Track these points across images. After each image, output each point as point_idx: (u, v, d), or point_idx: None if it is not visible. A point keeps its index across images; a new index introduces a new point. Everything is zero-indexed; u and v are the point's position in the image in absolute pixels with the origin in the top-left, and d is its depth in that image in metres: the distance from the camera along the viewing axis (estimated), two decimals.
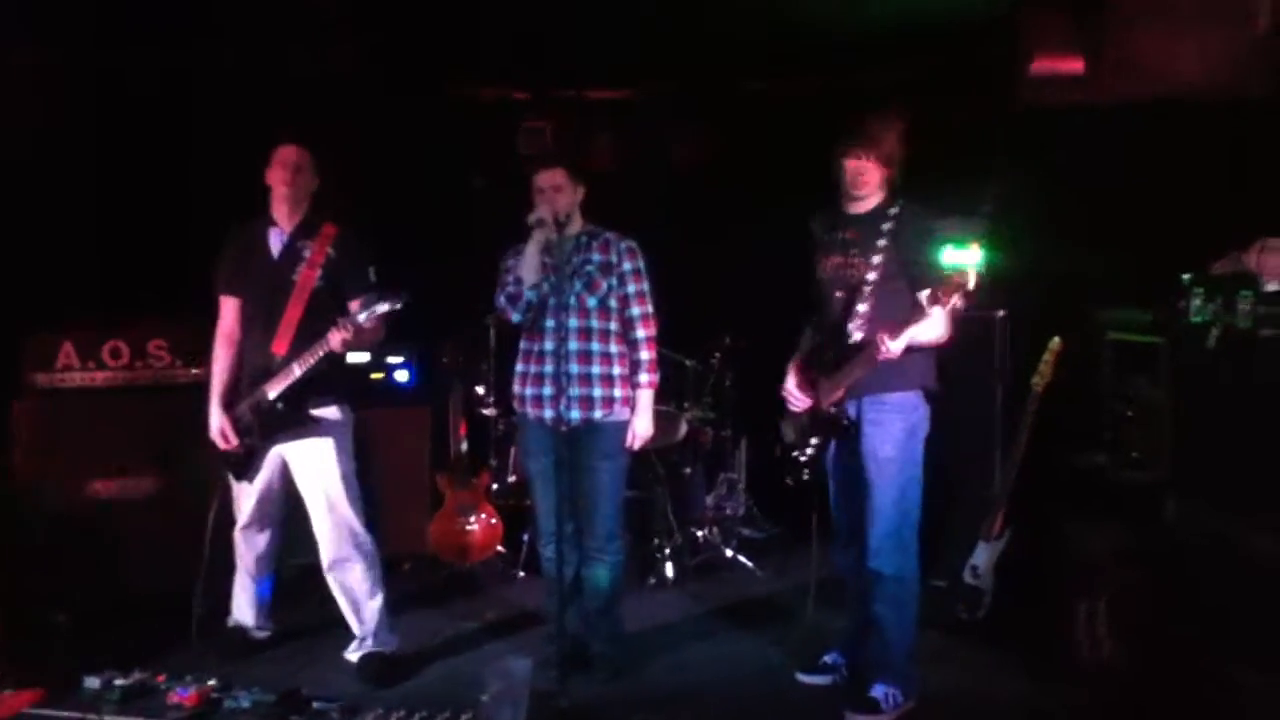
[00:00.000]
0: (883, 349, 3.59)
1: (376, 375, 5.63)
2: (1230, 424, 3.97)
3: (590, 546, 4.14)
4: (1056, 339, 4.62)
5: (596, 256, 4.13)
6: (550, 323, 4.09)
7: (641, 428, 4.14)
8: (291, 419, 4.10)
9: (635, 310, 4.15)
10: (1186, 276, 4.19)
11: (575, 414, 4.03)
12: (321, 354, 3.99)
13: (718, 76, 6.23)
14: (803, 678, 4.14)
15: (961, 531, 4.66)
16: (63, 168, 5.35)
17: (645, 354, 4.15)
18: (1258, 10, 4.64)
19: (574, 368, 4.03)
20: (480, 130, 6.53)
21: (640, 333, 4.16)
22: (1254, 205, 4.42)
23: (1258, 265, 4.05)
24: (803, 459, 3.92)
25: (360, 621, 4.23)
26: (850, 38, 5.42)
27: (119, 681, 3.74)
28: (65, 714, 3.63)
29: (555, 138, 6.43)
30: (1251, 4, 4.66)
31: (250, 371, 4.16)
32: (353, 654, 4.25)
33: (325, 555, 4.19)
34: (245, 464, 4.19)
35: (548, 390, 4.08)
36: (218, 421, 4.16)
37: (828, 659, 4.16)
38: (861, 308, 3.74)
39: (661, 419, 4.62)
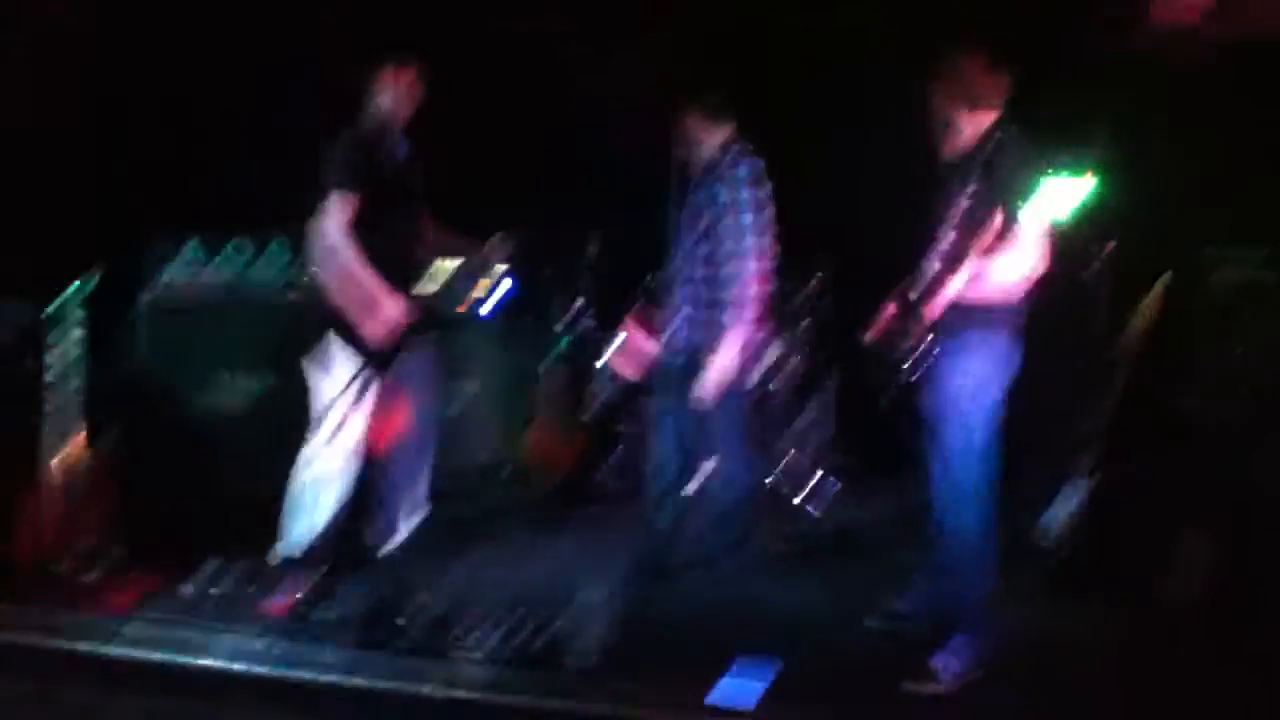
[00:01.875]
0: (949, 287, 3.51)
1: (482, 288, 5.71)
2: None
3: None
4: (1165, 276, 4.47)
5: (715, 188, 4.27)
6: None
7: (718, 374, 4.23)
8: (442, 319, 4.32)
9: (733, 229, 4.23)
10: None
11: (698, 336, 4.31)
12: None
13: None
14: (870, 622, 4.06)
15: (1046, 474, 4.58)
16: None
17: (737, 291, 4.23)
18: None
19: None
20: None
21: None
22: None
23: None
24: (890, 388, 3.85)
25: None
26: None
27: (214, 589, 3.96)
28: (163, 616, 3.85)
29: None
30: None
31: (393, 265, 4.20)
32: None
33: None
34: (393, 356, 4.21)
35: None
36: (401, 306, 4.13)
37: (900, 606, 4.06)
38: (950, 236, 3.60)
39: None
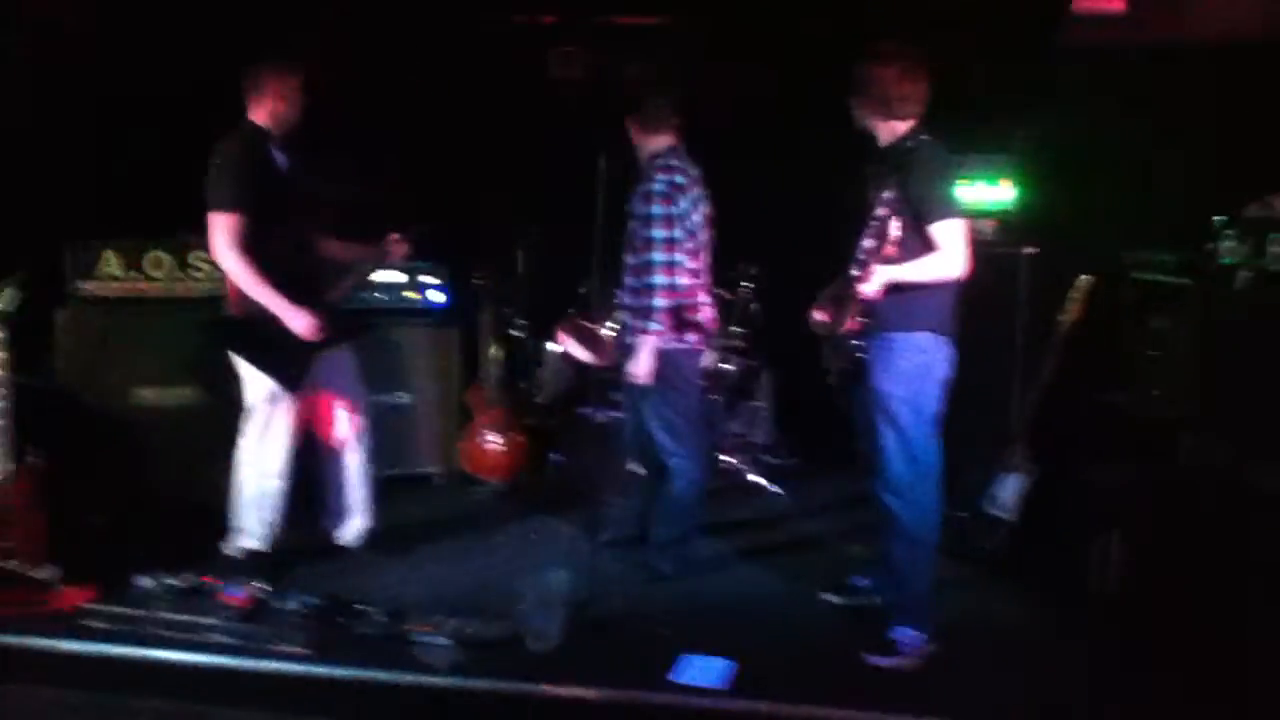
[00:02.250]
0: (859, 290, 3.63)
1: (411, 294, 5.71)
2: (1253, 366, 4.04)
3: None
4: (1085, 277, 4.67)
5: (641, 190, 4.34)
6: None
7: (632, 371, 4.36)
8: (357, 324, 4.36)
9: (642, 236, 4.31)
10: (1219, 219, 4.24)
11: None
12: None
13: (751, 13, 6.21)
14: (827, 596, 4.23)
15: (981, 463, 4.76)
16: (112, 80, 5.40)
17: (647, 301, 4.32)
18: None
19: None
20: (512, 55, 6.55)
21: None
22: None
23: None
24: (831, 383, 3.98)
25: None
26: None
27: (169, 581, 3.90)
28: (120, 610, 3.78)
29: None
30: None
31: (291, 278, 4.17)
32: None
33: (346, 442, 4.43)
34: (305, 373, 4.24)
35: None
36: (309, 320, 4.12)
37: (856, 581, 4.24)
38: (866, 243, 3.71)
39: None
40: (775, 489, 5.60)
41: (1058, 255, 4.99)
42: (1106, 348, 4.81)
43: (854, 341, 3.82)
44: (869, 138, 3.88)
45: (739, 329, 5.77)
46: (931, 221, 3.62)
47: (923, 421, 3.79)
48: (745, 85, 6.32)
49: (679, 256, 4.22)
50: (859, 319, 3.75)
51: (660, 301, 4.21)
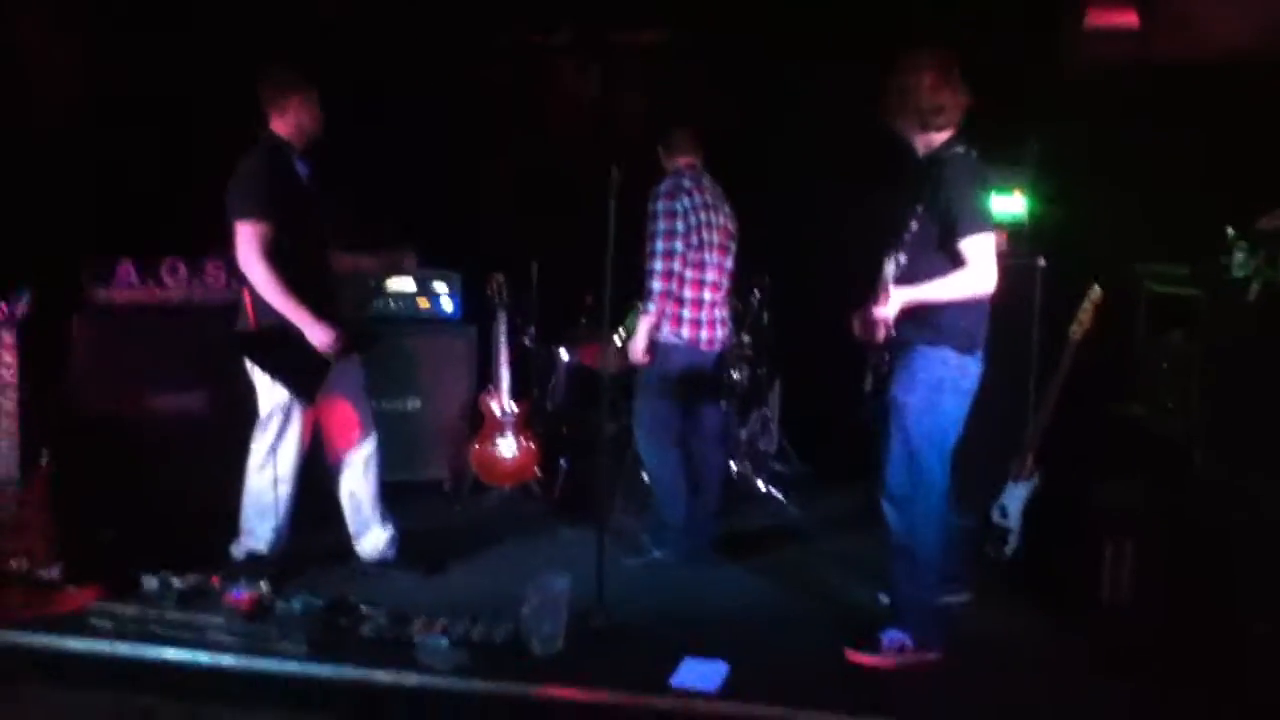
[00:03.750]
0: (876, 310, 3.60)
1: (423, 303, 5.75)
2: (1264, 379, 4.02)
3: None
4: (1096, 289, 4.65)
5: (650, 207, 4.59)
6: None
7: (630, 348, 4.66)
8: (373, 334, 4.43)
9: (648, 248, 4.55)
10: (1231, 231, 4.22)
11: None
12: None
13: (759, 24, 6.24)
14: (882, 596, 4.16)
15: (991, 473, 4.74)
16: (132, 91, 5.46)
17: (648, 286, 4.55)
18: None
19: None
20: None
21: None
22: None
23: None
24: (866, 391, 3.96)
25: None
26: None
27: (175, 582, 3.91)
28: (126, 610, 3.79)
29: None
30: None
31: (312, 289, 4.19)
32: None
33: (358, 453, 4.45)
34: (320, 384, 4.26)
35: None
36: (331, 333, 4.15)
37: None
38: (900, 256, 3.66)
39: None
40: (780, 497, 5.59)
41: (1069, 267, 4.99)
42: (1118, 360, 4.80)
43: (882, 353, 3.81)
44: (904, 147, 3.84)
45: (748, 337, 5.77)
46: (962, 236, 3.57)
47: (932, 435, 3.75)
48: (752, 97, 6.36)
49: (679, 245, 4.52)
50: (888, 333, 3.70)
51: (657, 285, 4.51)
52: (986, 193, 3.71)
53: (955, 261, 3.61)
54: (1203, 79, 4.83)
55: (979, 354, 3.79)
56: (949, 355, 3.71)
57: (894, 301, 3.59)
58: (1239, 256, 4.23)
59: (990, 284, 3.64)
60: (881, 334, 3.69)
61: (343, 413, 4.41)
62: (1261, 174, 4.54)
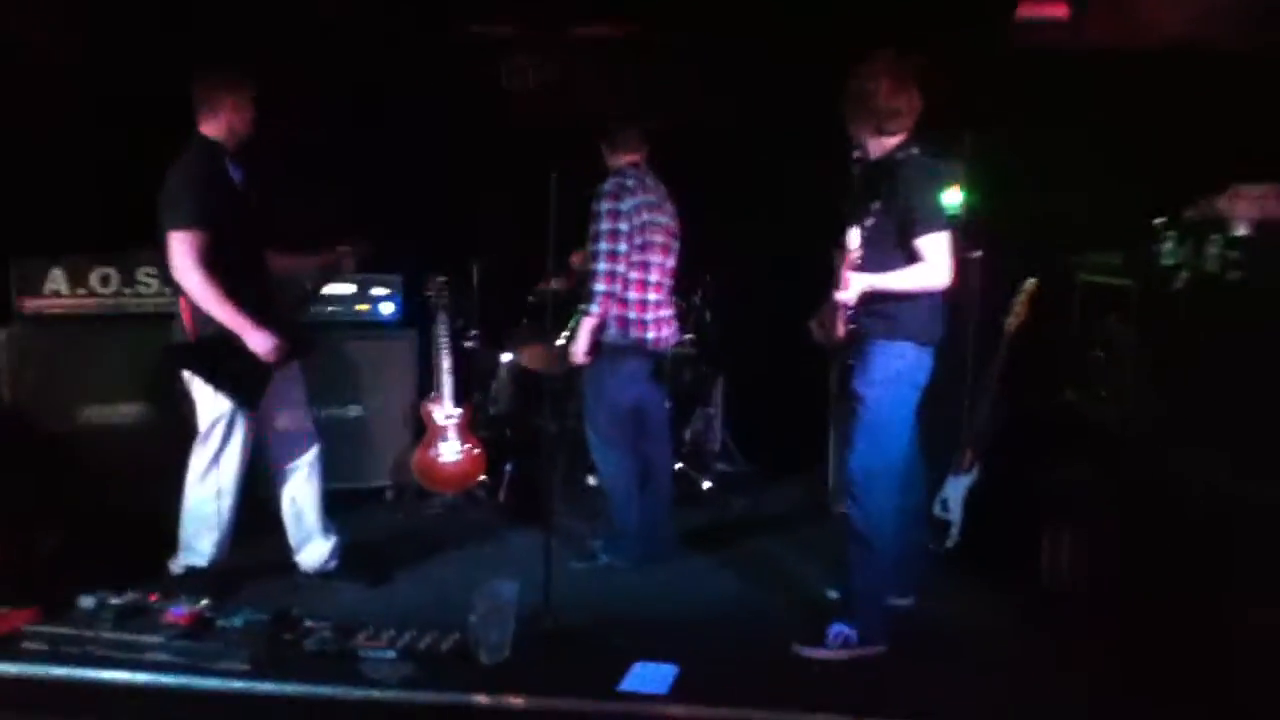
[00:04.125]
0: (836, 297, 3.70)
1: (362, 306, 5.69)
2: (1193, 365, 4.09)
3: None
4: (1030, 280, 4.72)
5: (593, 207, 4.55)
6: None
7: (571, 350, 4.60)
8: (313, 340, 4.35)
9: (591, 248, 4.56)
10: (1159, 220, 4.29)
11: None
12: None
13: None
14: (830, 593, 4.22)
15: (930, 467, 4.78)
16: (59, 94, 5.34)
17: (592, 287, 4.53)
18: None
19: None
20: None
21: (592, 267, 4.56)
22: (1227, 153, 4.52)
23: (1229, 210, 4.15)
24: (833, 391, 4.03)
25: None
26: None
27: (113, 600, 3.83)
28: (62, 631, 3.71)
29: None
30: None
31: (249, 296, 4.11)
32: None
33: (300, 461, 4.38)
34: (262, 392, 4.18)
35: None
36: (271, 339, 4.07)
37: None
38: (853, 253, 3.68)
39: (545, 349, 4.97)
40: (725, 495, 5.61)
41: (1005, 259, 5.04)
42: (1052, 350, 4.86)
43: (844, 351, 3.89)
44: (850, 147, 3.93)
45: (692, 335, 5.78)
46: (917, 235, 3.67)
47: (889, 426, 3.84)
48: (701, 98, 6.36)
49: (622, 246, 4.48)
50: (847, 327, 3.81)
51: (600, 286, 4.48)
52: (941, 192, 3.76)
53: (911, 259, 3.70)
54: (1135, 68, 4.89)
55: (933, 349, 3.87)
56: (906, 349, 3.81)
57: (854, 286, 3.66)
58: (1167, 246, 4.31)
59: (946, 279, 3.73)
60: (841, 329, 3.76)
61: (283, 421, 4.34)
62: (1193, 163, 4.61)
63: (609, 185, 4.54)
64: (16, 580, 4.04)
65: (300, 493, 4.39)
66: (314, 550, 4.44)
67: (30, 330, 5.03)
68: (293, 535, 4.44)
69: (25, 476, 4.66)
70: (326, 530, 4.46)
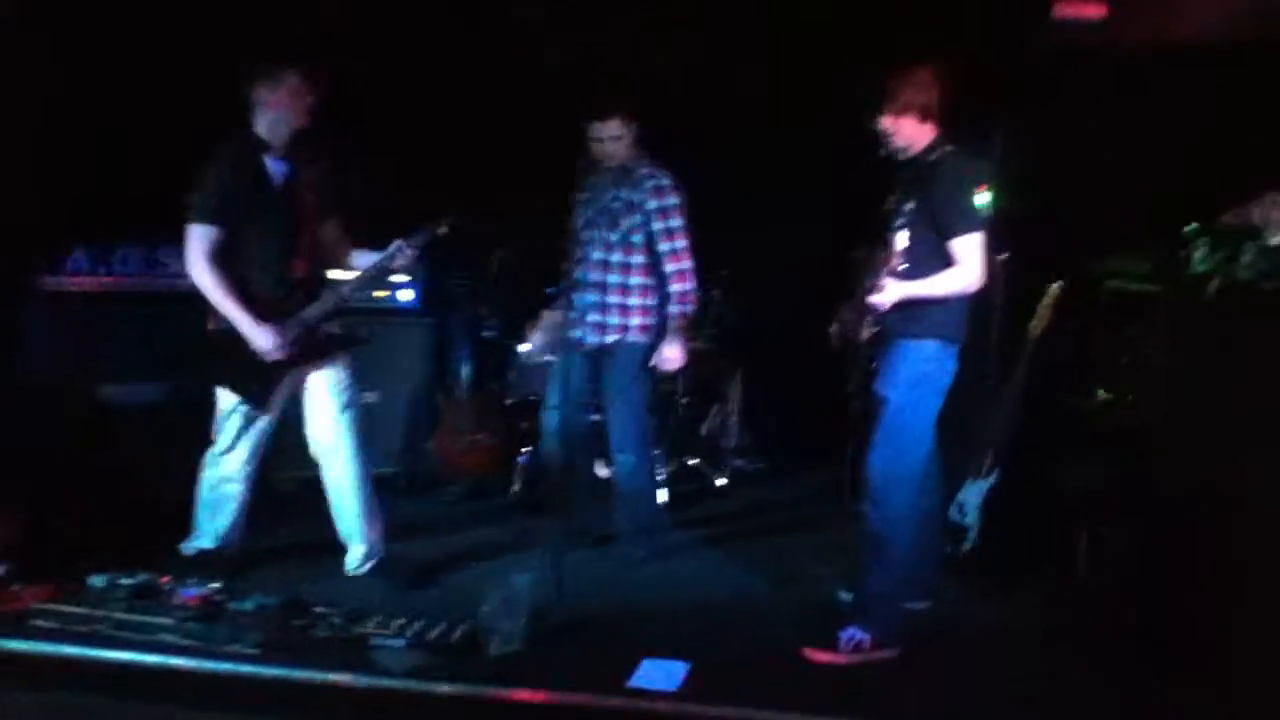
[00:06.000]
0: (871, 300, 3.67)
1: (381, 293, 5.66)
2: (1223, 373, 4.03)
3: (611, 448, 4.64)
4: (1055, 286, 4.66)
5: (624, 194, 4.43)
6: (588, 254, 4.52)
7: (669, 352, 4.50)
8: (338, 341, 4.25)
9: (662, 246, 4.47)
10: (1191, 227, 4.23)
11: (590, 338, 4.51)
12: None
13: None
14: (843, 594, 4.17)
15: (951, 470, 4.73)
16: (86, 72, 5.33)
17: (675, 286, 4.48)
18: None
19: (589, 297, 4.47)
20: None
21: (669, 267, 4.48)
22: (1264, 159, 4.44)
23: (1263, 218, 4.08)
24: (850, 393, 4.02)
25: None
26: None
27: (124, 581, 3.83)
28: (72, 610, 3.71)
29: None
30: None
31: (264, 294, 4.09)
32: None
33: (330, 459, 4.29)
34: (271, 390, 4.16)
35: (573, 313, 4.53)
36: (274, 337, 4.04)
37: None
38: (896, 257, 3.69)
39: None
40: (740, 491, 5.57)
41: (1031, 262, 4.98)
42: (1077, 355, 4.80)
43: (868, 352, 3.87)
44: (882, 145, 3.84)
45: (709, 329, 5.73)
46: (951, 237, 3.64)
47: (911, 430, 3.80)
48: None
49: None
50: (872, 329, 3.80)
51: (683, 285, 4.51)
52: (975, 192, 3.72)
53: (945, 260, 3.67)
54: (1169, 69, 4.82)
55: (958, 349, 3.82)
56: (931, 349, 3.77)
57: (890, 294, 3.63)
58: (1199, 253, 4.24)
59: (978, 281, 3.70)
60: (866, 332, 3.73)
61: (317, 411, 4.26)
62: (1227, 167, 4.54)
63: (670, 179, 4.50)
64: (29, 559, 4.03)
65: (334, 488, 4.30)
66: (351, 553, 4.35)
67: (53, 308, 5.01)
68: (339, 530, 4.36)
69: (41, 455, 4.65)
70: (364, 535, 4.33)
